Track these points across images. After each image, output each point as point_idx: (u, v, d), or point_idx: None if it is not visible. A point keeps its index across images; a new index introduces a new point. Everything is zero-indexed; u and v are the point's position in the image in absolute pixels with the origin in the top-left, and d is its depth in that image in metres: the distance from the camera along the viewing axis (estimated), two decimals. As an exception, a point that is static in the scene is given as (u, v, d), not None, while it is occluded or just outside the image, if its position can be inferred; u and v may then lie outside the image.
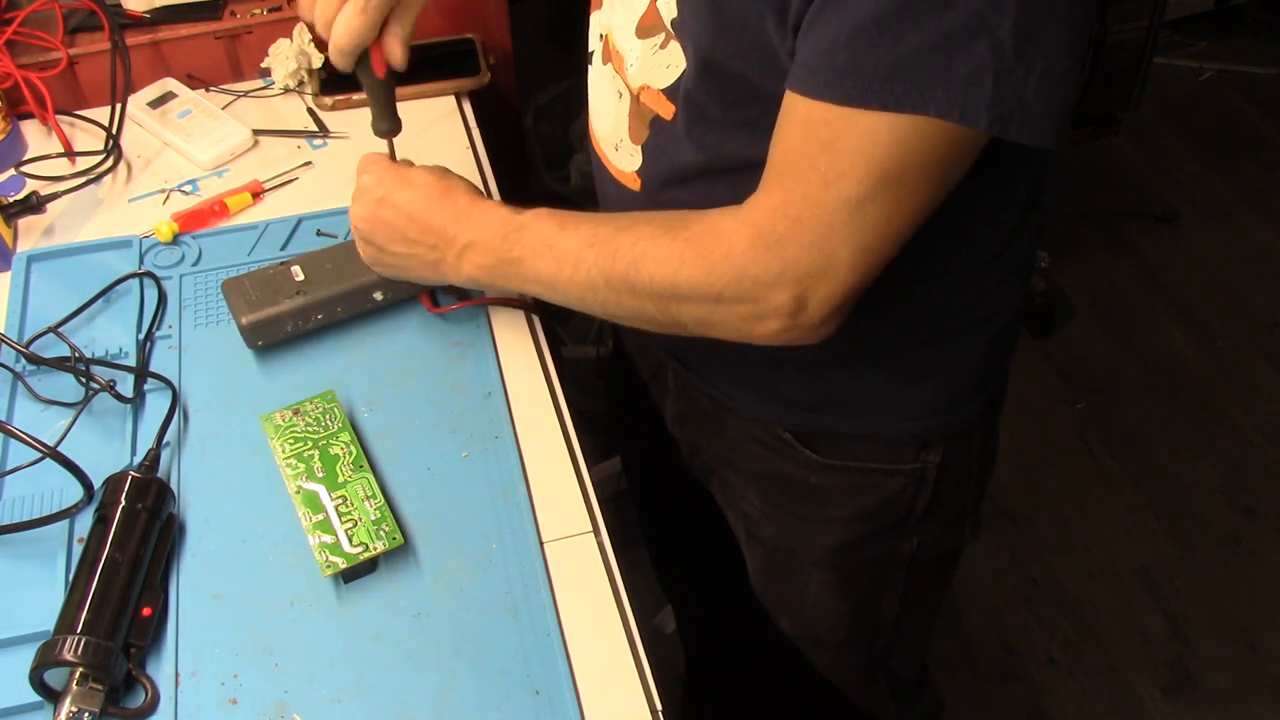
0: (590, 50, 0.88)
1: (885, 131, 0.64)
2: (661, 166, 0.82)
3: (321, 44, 0.98)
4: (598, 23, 0.87)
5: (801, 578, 1.03)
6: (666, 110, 0.79)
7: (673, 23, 0.75)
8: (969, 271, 0.83)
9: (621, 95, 0.83)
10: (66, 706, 0.67)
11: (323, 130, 1.12)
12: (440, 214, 0.83)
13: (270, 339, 0.89)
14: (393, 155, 0.89)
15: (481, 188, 1.06)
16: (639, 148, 0.83)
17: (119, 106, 1.09)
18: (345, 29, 0.79)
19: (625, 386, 1.14)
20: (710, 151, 0.77)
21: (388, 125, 0.87)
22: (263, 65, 1.17)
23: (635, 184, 0.84)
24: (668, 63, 0.76)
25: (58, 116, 1.10)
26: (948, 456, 0.92)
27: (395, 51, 0.82)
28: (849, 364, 0.86)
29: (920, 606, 1.08)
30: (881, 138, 0.64)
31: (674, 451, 1.08)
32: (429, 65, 1.17)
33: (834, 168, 0.66)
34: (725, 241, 0.71)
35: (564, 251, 0.78)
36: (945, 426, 0.90)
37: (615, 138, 0.85)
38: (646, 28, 0.78)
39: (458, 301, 0.93)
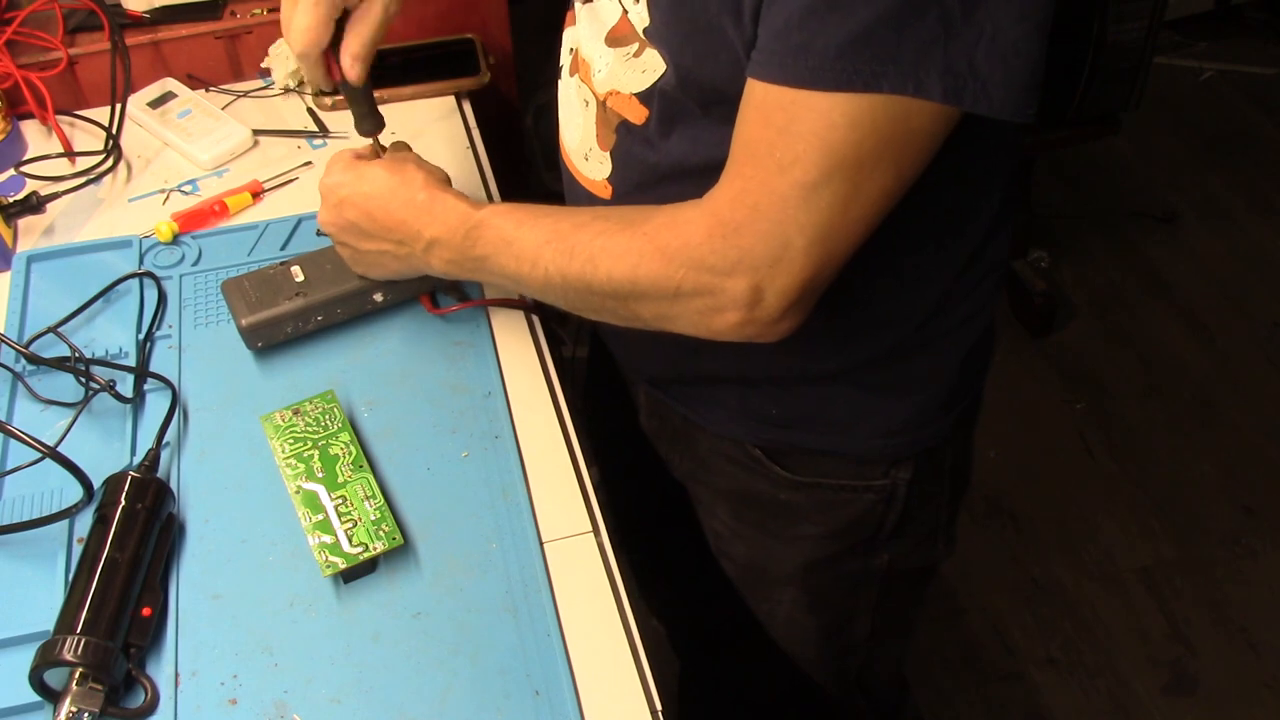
0: (560, 66, 0.88)
1: (839, 114, 0.63)
2: (632, 172, 0.81)
3: None
4: (569, 38, 0.87)
5: (773, 595, 1.03)
6: (636, 114, 0.78)
7: (645, 30, 0.74)
8: (938, 281, 0.82)
9: (588, 103, 0.82)
10: (66, 706, 0.67)
11: (322, 130, 1.12)
12: (398, 210, 0.82)
13: (270, 341, 0.89)
14: (379, 151, 0.87)
15: (481, 188, 1.06)
16: (608, 154, 0.82)
17: (119, 106, 1.09)
18: (292, 32, 0.79)
19: (599, 391, 1.13)
20: (686, 150, 0.76)
21: (368, 126, 0.86)
22: (263, 65, 1.17)
23: (606, 192, 0.83)
24: (643, 68, 0.76)
25: (58, 116, 1.10)
26: (919, 473, 0.91)
27: (345, 67, 0.80)
28: (821, 379, 0.85)
29: (893, 623, 1.07)
30: (835, 120, 0.63)
31: (650, 459, 1.07)
32: (429, 65, 1.17)
33: (789, 152, 0.65)
34: (684, 232, 0.70)
35: (522, 249, 0.77)
36: (916, 444, 0.89)
37: (584, 147, 0.84)
38: (618, 37, 0.77)
39: (458, 302, 0.93)
